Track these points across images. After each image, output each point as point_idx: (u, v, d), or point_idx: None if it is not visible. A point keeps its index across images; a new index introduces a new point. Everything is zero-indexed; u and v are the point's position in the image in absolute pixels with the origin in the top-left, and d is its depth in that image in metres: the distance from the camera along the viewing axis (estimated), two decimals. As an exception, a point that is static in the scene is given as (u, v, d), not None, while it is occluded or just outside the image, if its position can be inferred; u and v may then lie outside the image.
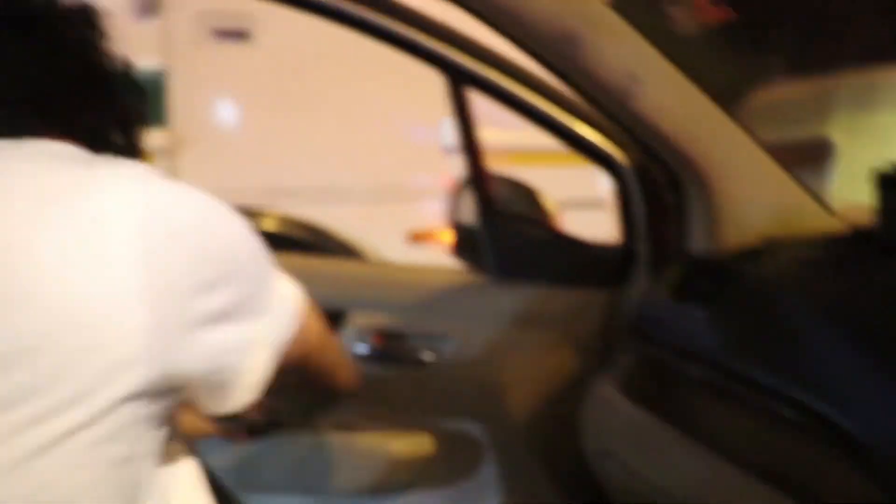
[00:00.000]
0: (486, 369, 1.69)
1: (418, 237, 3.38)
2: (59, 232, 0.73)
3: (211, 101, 3.46)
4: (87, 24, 0.89)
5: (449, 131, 3.42)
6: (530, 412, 1.69)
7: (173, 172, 3.10)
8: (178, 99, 3.33)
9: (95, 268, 0.73)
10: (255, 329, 0.83)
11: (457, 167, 3.56)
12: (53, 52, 0.85)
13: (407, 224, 3.39)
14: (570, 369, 1.66)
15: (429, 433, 1.70)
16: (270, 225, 3.17)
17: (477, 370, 1.69)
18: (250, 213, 3.20)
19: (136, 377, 0.74)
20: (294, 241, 3.13)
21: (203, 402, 0.86)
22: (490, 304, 1.71)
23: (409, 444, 1.71)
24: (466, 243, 1.77)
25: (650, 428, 1.27)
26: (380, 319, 1.71)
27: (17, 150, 0.80)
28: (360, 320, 1.70)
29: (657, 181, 1.47)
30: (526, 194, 1.84)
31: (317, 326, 0.97)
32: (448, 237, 3.42)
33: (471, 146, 1.68)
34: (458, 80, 1.61)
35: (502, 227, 1.72)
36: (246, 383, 0.84)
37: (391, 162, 3.49)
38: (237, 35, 3.33)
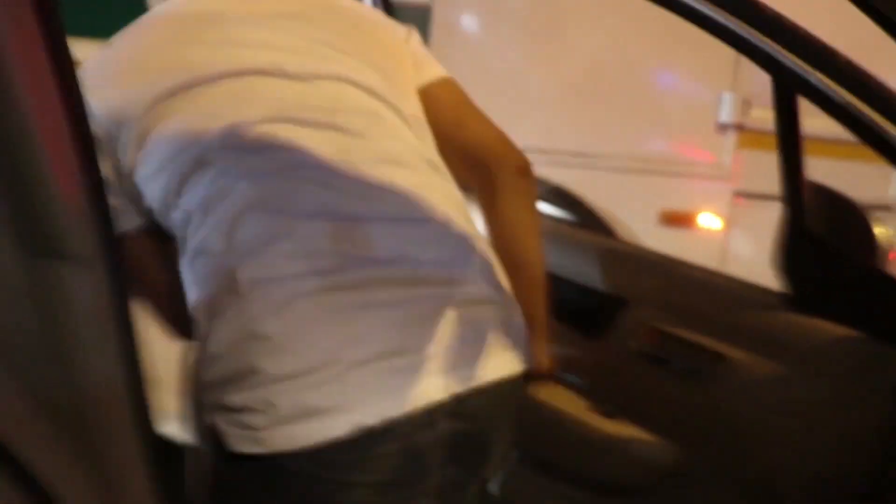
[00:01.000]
0: (756, 405, 1.51)
1: (671, 218, 3.14)
2: None
3: (474, 44, 3.29)
4: None
5: (727, 107, 3.11)
6: (794, 466, 1.48)
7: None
8: (438, 40, 3.17)
9: None
10: None
11: (729, 147, 3.24)
12: None
13: (663, 202, 3.14)
14: (863, 434, 1.43)
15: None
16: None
17: (737, 397, 1.52)
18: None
19: None
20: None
21: None
22: (780, 333, 1.53)
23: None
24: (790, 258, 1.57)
25: None
26: (659, 318, 1.63)
27: None
28: (638, 314, 1.65)
29: None
30: (851, 217, 1.57)
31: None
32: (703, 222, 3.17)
33: (792, 156, 1.49)
34: (789, 85, 1.41)
35: (810, 251, 1.53)
36: None
37: (657, 133, 3.22)
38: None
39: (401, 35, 1.34)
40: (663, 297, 1.68)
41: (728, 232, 3.19)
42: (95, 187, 0.87)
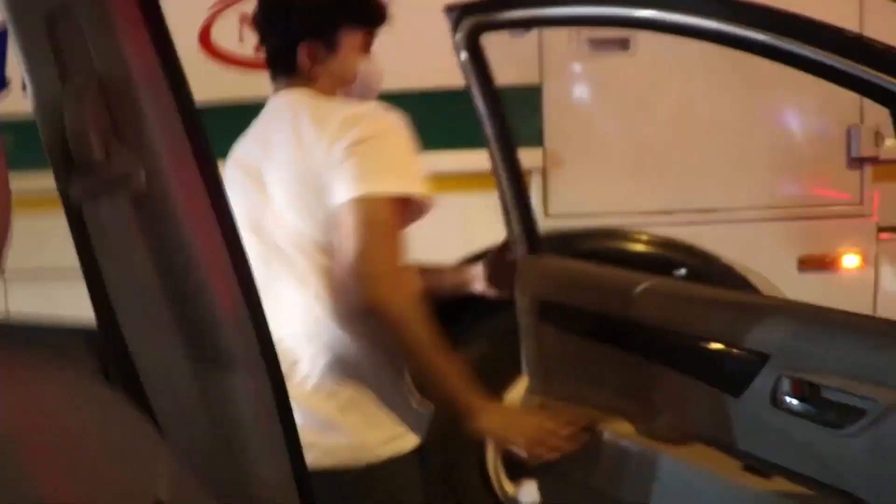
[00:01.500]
0: None
1: (809, 262, 3.00)
2: None
3: (587, 117, 3.27)
4: None
5: (858, 141, 3.01)
6: None
7: (545, 192, 2.97)
8: (553, 115, 3.18)
9: None
10: None
11: (865, 182, 3.10)
12: None
13: (802, 247, 3.01)
14: None
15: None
16: (646, 248, 2.96)
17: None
18: (623, 236, 2.99)
19: None
20: (673, 265, 2.90)
21: None
22: None
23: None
24: None
25: None
26: (805, 369, 1.57)
27: None
28: (782, 364, 1.60)
29: None
30: None
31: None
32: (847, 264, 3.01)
33: None
34: None
35: None
36: None
37: (784, 178, 3.12)
38: (617, 45, 3.09)
39: (322, 152, 1.63)
40: (806, 346, 1.63)
41: (875, 271, 3.03)
42: (252, 302, 0.98)
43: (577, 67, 3.08)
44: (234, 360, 0.96)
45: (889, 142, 2.93)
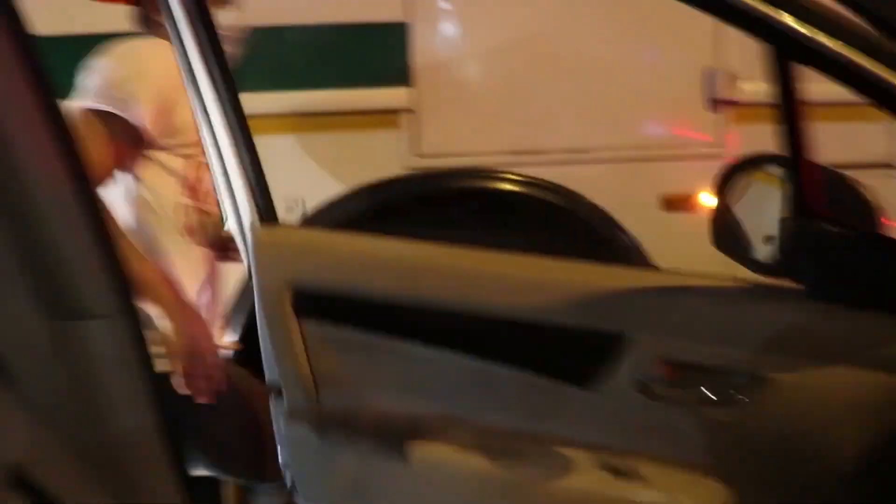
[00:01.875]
0: (798, 414, 1.43)
1: (672, 203, 3.08)
2: None
3: (455, 56, 3.22)
4: None
5: (714, 83, 3.09)
6: (849, 468, 1.41)
7: (417, 133, 2.93)
8: (421, 55, 2.98)
9: None
10: None
11: (721, 124, 3.20)
12: None
13: (662, 187, 3.09)
14: None
15: (719, 483, 1.48)
16: (512, 187, 2.98)
17: (786, 414, 1.43)
18: (492, 175, 2.96)
19: None
20: (539, 203, 2.94)
21: None
22: (805, 332, 1.44)
23: (698, 498, 1.49)
24: (726, 234, 1.53)
25: None
26: (671, 346, 1.47)
27: None
28: (646, 346, 1.47)
29: None
30: (846, 190, 1.48)
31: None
32: (706, 205, 3.09)
33: (794, 131, 1.37)
34: (786, 52, 1.32)
35: (819, 236, 1.39)
36: None
37: (645, 118, 3.18)
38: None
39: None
40: (666, 320, 1.48)
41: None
42: (109, 250, 0.93)
43: (444, 5, 3.05)
44: (90, 312, 0.93)
45: (747, 84, 3.01)
